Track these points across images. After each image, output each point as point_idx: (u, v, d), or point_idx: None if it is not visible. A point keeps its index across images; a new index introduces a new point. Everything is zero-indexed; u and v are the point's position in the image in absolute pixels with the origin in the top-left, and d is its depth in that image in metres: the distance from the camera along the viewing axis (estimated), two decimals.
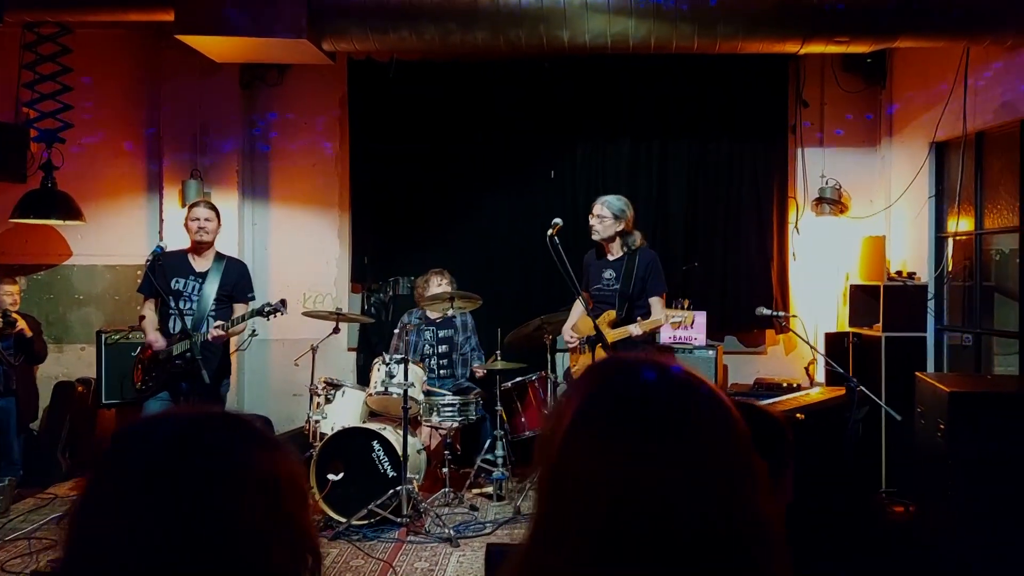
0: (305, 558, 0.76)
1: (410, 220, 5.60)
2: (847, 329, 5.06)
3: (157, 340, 4.11)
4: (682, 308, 4.24)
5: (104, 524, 0.72)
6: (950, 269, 4.93)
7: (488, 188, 5.58)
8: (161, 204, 5.54)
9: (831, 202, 5.35)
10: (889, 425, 4.54)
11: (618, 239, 4.31)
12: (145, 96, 5.61)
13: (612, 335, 4.14)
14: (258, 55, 4.78)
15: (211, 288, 4.18)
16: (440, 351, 5.07)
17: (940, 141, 4.87)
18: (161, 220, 5.53)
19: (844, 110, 5.49)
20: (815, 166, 5.49)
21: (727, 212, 5.51)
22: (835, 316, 5.42)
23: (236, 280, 4.30)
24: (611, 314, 4.23)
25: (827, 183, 5.41)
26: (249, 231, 5.70)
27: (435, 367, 5.02)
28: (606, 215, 4.27)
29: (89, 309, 5.71)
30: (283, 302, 4.19)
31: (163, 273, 4.14)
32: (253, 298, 4.35)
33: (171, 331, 4.15)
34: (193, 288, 4.21)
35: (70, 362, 5.63)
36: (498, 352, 4.58)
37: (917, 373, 4.01)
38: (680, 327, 4.22)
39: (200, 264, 4.26)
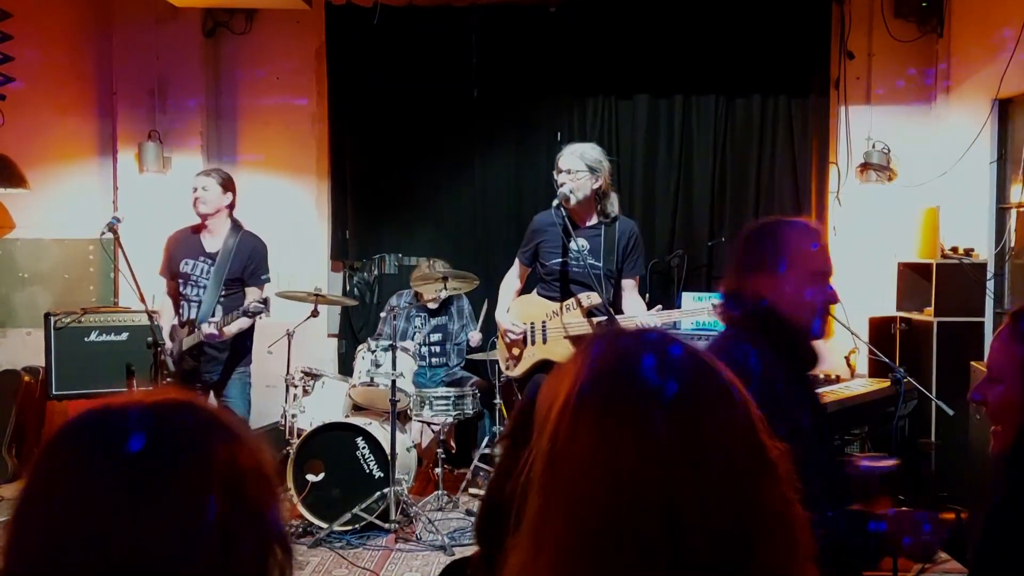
0: (273, 552, 0.78)
1: (398, 189, 5.59)
2: (894, 313, 5.05)
3: (167, 341, 4.06)
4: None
5: (47, 523, 0.73)
6: (1013, 245, 4.89)
7: (486, 152, 5.55)
8: (115, 170, 5.53)
9: (878, 168, 5.30)
10: (940, 420, 4.56)
11: (594, 202, 3.80)
12: (95, 46, 5.56)
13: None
14: None
15: (221, 271, 4.07)
16: (432, 339, 5.09)
17: (1004, 98, 4.81)
18: (115, 188, 5.53)
19: (895, 62, 5.42)
20: (860, 126, 5.44)
21: (758, 179, 5.49)
22: (880, 298, 5.36)
23: (247, 260, 4.14)
24: (594, 296, 3.68)
25: (874, 146, 5.36)
26: None
27: (426, 354, 5.04)
28: (580, 168, 3.75)
29: (36, 289, 5.73)
30: (266, 301, 4.03)
31: (175, 251, 4.12)
32: (268, 280, 4.22)
33: (183, 320, 4.14)
34: (202, 271, 4.10)
35: (15, 348, 5.66)
36: (495, 338, 4.60)
37: (973, 363, 3.98)
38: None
39: (211, 242, 4.12)
